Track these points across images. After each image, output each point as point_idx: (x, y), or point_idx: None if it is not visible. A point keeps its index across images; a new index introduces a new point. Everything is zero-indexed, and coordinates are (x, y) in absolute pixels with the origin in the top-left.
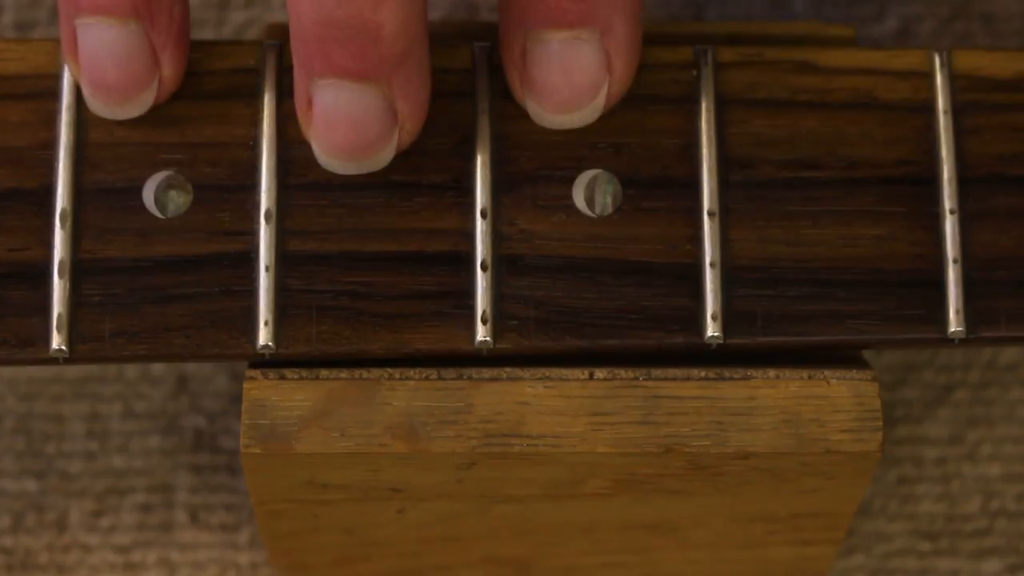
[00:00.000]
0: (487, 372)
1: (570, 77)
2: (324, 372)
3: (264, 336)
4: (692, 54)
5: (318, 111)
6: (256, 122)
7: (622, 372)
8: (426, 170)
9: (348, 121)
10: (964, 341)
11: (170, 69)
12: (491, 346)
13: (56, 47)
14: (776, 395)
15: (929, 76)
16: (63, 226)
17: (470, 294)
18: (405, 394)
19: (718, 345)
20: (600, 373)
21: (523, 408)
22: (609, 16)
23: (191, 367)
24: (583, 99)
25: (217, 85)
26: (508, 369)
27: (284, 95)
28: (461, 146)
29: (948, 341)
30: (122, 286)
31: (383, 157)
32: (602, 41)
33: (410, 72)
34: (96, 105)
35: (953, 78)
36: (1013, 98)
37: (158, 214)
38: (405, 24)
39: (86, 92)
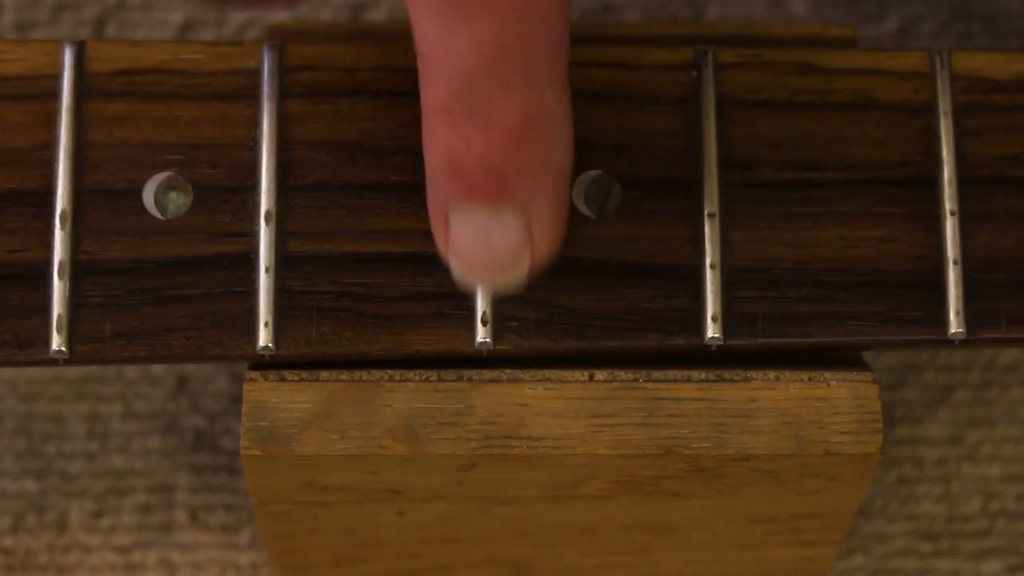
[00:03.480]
0: (487, 374)
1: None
2: (324, 374)
3: (264, 337)
4: (692, 55)
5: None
6: (256, 123)
7: (622, 374)
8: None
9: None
10: (964, 343)
11: (544, 245)
12: (491, 347)
13: (56, 48)
14: (776, 397)
15: (929, 77)
16: (63, 227)
17: (470, 295)
18: (405, 396)
19: (718, 347)
20: (600, 375)
21: (523, 410)
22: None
23: (191, 367)
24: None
25: (217, 86)
26: (508, 371)
27: (284, 95)
28: None
29: (948, 343)
30: (122, 287)
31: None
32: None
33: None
34: (466, 280)
35: (953, 79)
36: (1013, 99)
37: (158, 215)
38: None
39: (453, 265)
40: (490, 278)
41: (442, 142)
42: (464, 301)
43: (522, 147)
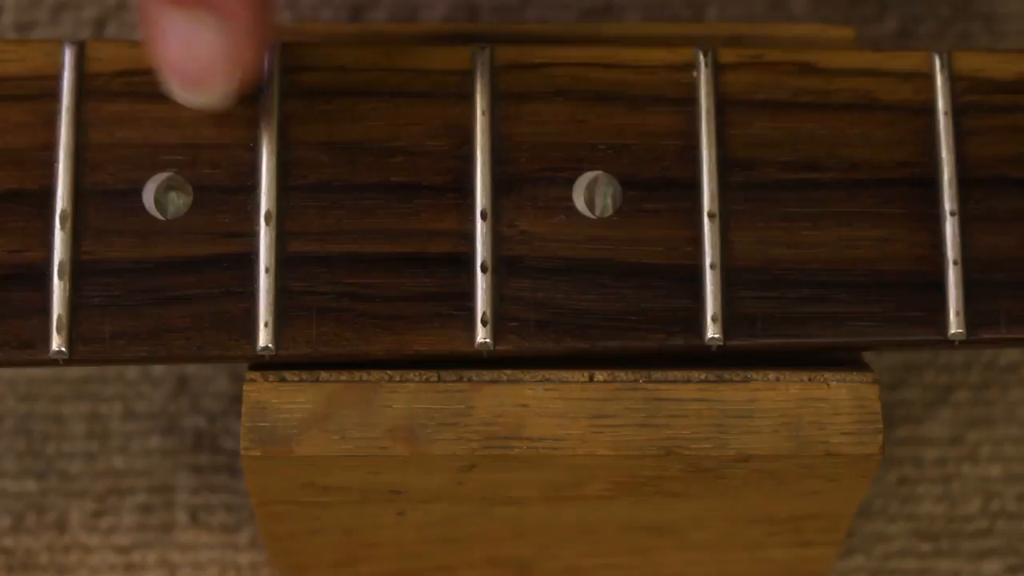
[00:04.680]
0: (487, 374)
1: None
2: (324, 374)
3: (264, 338)
4: (692, 55)
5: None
6: (256, 123)
7: (622, 374)
8: (426, 171)
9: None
10: (964, 343)
11: (240, 57)
12: (491, 348)
13: (56, 48)
14: (776, 397)
15: (929, 77)
16: (63, 227)
17: (470, 296)
18: (405, 396)
19: (718, 347)
20: (600, 375)
21: (523, 410)
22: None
23: (191, 368)
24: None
25: None
26: (508, 371)
27: (285, 95)
28: (461, 147)
29: (948, 343)
30: (122, 287)
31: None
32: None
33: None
34: (175, 92)
35: (953, 79)
36: (1013, 100)
37: (158, 215)
38: None
39: (164, 78)
40: (195, 89)
41: None
42: (464, 302)
43: None
